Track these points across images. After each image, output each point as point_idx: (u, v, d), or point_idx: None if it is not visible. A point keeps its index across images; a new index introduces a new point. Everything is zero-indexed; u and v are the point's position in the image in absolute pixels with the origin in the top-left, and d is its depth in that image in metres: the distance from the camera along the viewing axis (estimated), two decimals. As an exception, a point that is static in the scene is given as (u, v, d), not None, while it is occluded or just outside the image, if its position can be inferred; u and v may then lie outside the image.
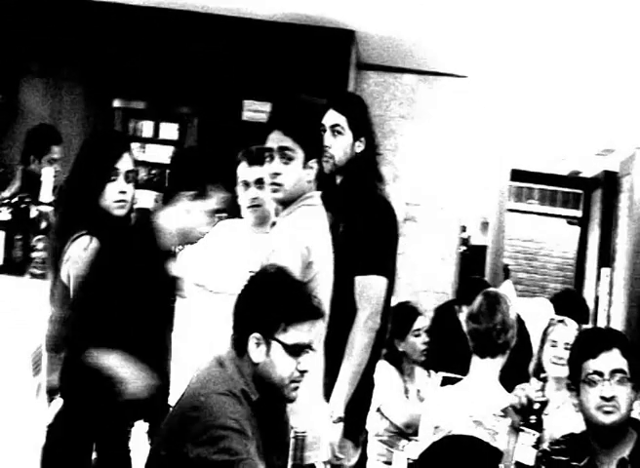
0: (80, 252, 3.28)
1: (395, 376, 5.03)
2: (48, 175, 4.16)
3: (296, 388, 2.79)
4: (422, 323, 5.13)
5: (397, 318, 4.86)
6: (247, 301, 2.82)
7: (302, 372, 2.78)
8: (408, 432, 4.82)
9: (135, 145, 6.57)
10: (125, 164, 3.40)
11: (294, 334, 2.75)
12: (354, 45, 7.07)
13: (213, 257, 3.96)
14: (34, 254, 4.08)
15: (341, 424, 3.43)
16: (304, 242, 3.15)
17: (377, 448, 4.90)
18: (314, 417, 3.16)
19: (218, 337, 3.00)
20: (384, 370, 4.84)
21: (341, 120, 3.64)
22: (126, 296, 3.17)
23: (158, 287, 3.31)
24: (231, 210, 3.79)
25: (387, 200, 3.74)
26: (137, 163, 3.65)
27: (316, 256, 3.17)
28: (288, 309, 2.76)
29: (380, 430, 4.94)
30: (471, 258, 11.26)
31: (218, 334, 3.06)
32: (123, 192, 3.38)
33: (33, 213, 4.18)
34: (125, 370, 3.10)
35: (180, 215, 3.30)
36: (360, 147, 3.67)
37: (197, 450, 2.62)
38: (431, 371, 5.19)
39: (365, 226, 3.58)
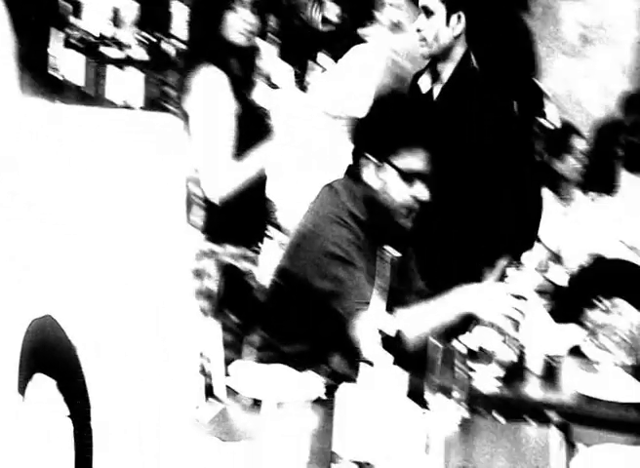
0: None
1: None
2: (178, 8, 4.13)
3: (411, 216, 2.68)
4: None
5: None
6: (364, 123, 2.78)
7: (417, 201, 2.65)
8: None
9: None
10: None
11: (408, 160, 2.62)
12: None
13: (341, 82, 3.80)
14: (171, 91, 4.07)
15: None
16: None
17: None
18: None
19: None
20: None
21: None
22: None
23: None
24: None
25: None
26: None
27: None
28: (402, 132, 2.65)
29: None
30: None
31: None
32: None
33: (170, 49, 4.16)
34: None
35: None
36: None
37: (306, 277, 2.60)
38: None
39: None
